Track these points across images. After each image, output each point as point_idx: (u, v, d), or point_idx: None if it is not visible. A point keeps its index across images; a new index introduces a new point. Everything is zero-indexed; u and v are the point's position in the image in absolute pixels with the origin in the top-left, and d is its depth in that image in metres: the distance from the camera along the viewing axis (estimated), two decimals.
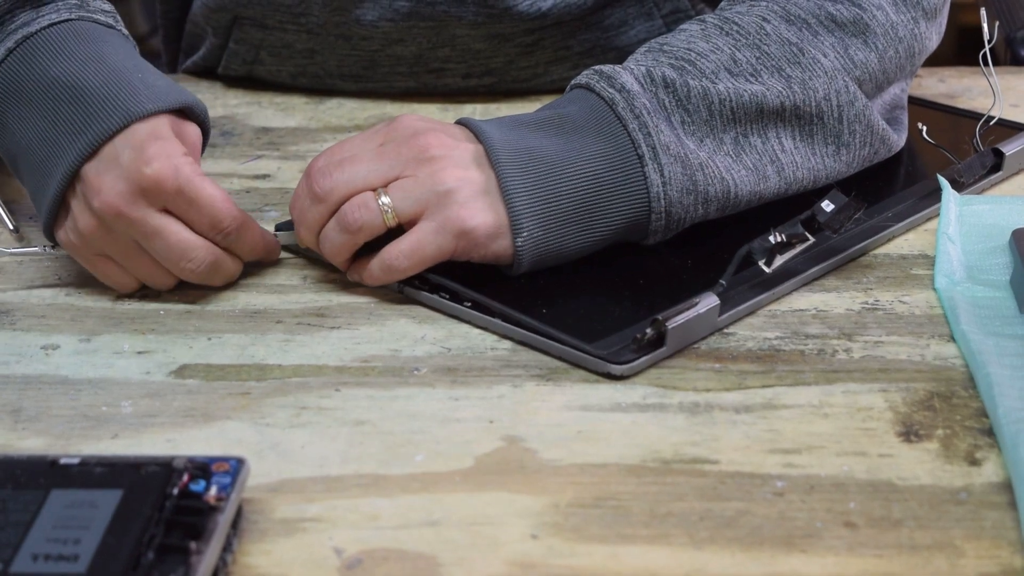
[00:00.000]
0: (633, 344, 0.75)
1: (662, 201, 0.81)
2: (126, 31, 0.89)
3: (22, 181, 0.86)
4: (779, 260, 0.79)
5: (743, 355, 0.77)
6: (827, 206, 0.79)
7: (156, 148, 0.80)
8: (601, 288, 0.82)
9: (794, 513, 0.65)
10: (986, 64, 0.97)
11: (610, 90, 0.82)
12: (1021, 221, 0.87)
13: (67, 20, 0.85)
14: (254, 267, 0.87)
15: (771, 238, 0.79)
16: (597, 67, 0.85)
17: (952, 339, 0.78)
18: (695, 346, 0.78)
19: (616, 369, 0.75)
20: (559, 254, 0.81)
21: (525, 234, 0.79)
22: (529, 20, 1.06)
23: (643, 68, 0.84)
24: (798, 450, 0.70)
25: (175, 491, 0.63)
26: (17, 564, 0.59)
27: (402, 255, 0.80)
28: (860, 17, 0.89)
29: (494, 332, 0.79)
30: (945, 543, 0.63)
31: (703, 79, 0.84)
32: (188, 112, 0.85)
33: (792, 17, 0.88)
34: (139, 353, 0.78)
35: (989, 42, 0.97)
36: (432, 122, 0.83)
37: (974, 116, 1.01)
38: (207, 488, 0.63)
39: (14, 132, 0.83)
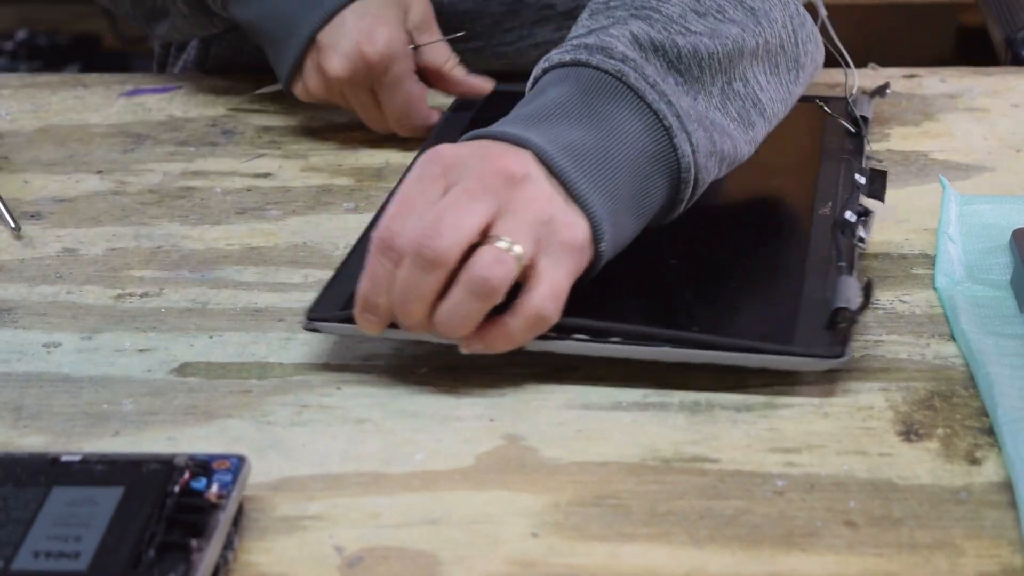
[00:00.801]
0: (837, 336, 0.73)
1: (692, 170, 0.78)
2: None
3: (258, 44, 1.05)
4: (866, 232, 0.82)
5: None
6: (861, 179, 0.86)
7: (379, 32, 0.98)
8: (686, 283, 0.80)
9: (794, 512, 0.65)
10: (827, 36, 0.97)
11: (612, 61, 0.78)
12: (1021, 221, 0.87)
13: None
14: (255, 266, 0.87)
15: (848, 215, 0.81)
16: (574, 43, 0.80)
17: (952, 338, 0.78)
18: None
19: (838, 362, 0.73)
20: (617, 248, 0.77)
21: (607, 238, 0.75)
22: None
23: (627, 33, 0.79)
24: (798, 449, 0.70)
25: (176, 489, 0.63)
26: (18, 561, 0.59)
27: (547, 299, 0.72)
28: None
29: (656, 360, 0.74)
30: (945, 542, 0.63)
31: (679, 31, 0.80)
32: None
33: None
34: (140, 351, 0.78)
35: (822, 16, 0.97)
36: (471, 144, 0.75)
37: (839, 98, 1.01)
38: (208, 486, 0.63)
39: (253, 7, 1.02)
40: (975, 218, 0.88)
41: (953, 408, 0.73)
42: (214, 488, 0.63)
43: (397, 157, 1.01)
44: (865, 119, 0.97)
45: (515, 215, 0.72)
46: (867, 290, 0.75)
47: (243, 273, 0.87)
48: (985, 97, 1.07)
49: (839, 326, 0.74)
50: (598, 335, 0.74)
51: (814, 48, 0.89)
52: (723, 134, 0.81)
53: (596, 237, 0.74)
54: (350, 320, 0.74)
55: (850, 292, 0.75)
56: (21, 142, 1.02)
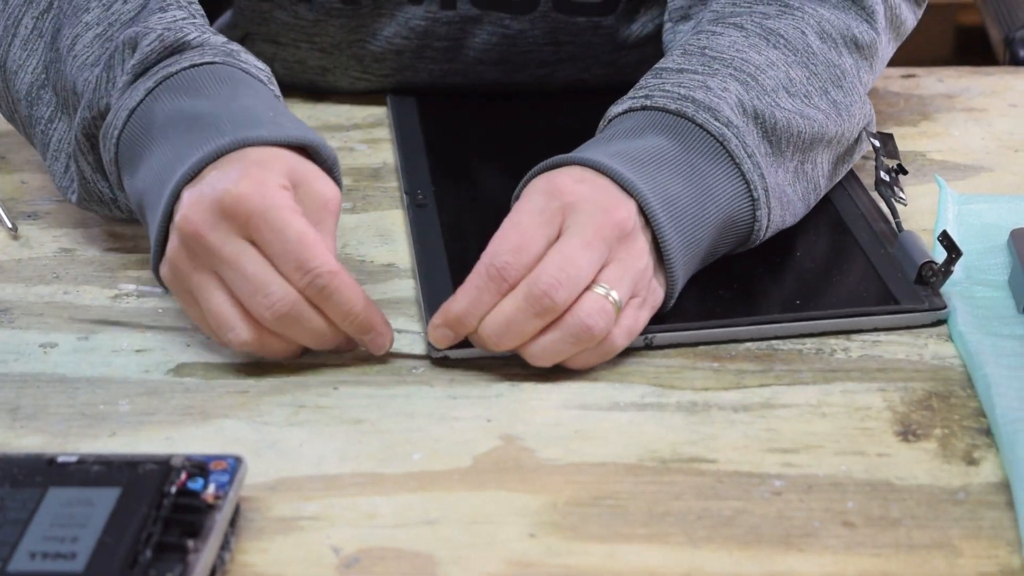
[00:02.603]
0: (928, 291, 0.79)
1: (759, 236, 0.81)
2: (279, 92, 0.84)
3: (146, 224, 0.79)
4: (902, 191, 0.86)
5: (741, 354, 0.77)
6: (876, 142, 0.87)
7: (253, 171, 0.73)
8: (755, 265, 0.83)
9: (792, 512, 0.65)
10: None
11: (716, 123, 0.79)
12: (1019, 221, 0.87)
13: (210, 63, 0.81)
14: None
15: (883, 176, 0.86)
16: (682, 92, 0.80)
17: (950, 339, 0.78)
18: (693, 346, 0.77)
19: (943, 313, 0.79)
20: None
21: (675, 296, 0.77)
22: (543, 48, 1.04)
23: (733, 97, 0.80)
24: (796, 449, 0.70)
25: (173, 489, 0.63)
26: (15, 562, 0.59)
27: (623, 337, 0.74)
28: (875, 42, 0.88)
29: (785, 336, 0.78)
30: (943, 543, 0.63)
31: (772, 104, 0.82)
32: (314, 155, 0.78)
33: (824, 35, 0.86)
34: (137, 351, 0.78)
35: None
36: (588, 183, 0.75)
37: None
38: (205, 486, 0.63)
39: (140, 172, 0.79)
40: (973, 218, 0.88)
41: (951, 408, 0.72)
42: (211, 489, 0.63)
43: (394, 158, 1.00)
44: None
45: (620, 264, 0.74)
46: (949, 242, 0.79)
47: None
48: (983, 97, 1.06)
49: (930, 280, 0.79)
50: (724, 314, 0.79)
51: (863, 149, 0.90)
52: (787, 210, 0.83)
53: (669, 294, 0.77)
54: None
55: (920, 245, 0.81)
56: (18, 142, 1.01)
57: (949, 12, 2.30)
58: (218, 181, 0.73)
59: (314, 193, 0.76)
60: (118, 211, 0.86)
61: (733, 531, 0.64)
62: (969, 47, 2.17)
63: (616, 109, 0.83)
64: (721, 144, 0.79)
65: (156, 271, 0.77)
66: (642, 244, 0.75)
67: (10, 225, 0.91)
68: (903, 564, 0.62)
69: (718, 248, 0.80)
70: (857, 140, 0.88)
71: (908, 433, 0.71)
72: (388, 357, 0.77)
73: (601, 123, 0.84)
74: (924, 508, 0.66)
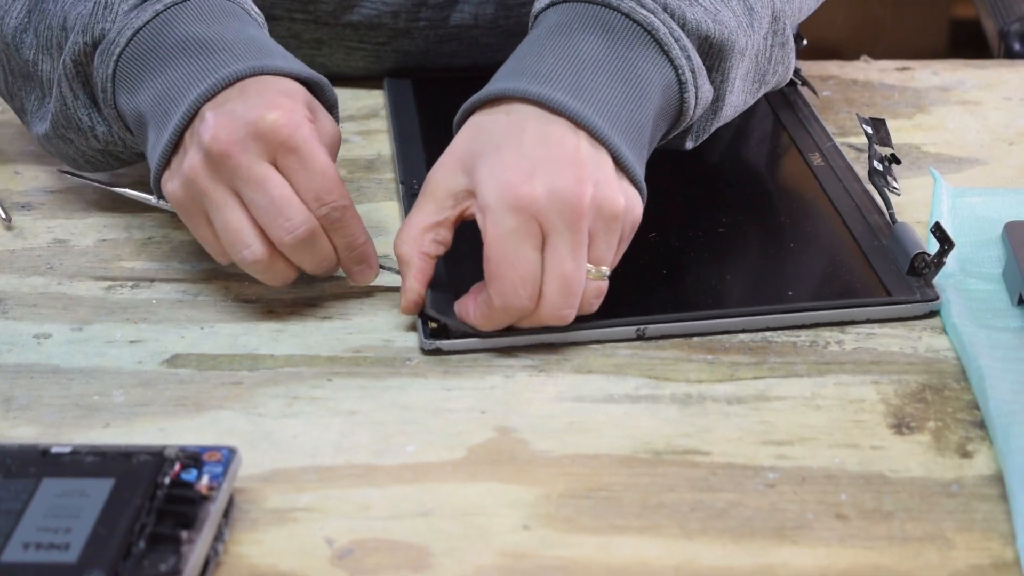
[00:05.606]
0: (921, 281, 0.79)
1: (688, 120, 0.80)
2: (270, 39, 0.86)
3: (143, 141, 0.81)
4: (895, 180, 0.87)
5: (735, 347, 0.77)
6: (869, 128, 0.89)
7: (283, 100, 0.76)
8: (745, 257, 0.84)
9: (786, 505, 0.66)
10: None
11: (643, 12, 0.78)
12: (1013, 213, 0.87)
13: None
14: None
15: (876, 166, 0.86)
16: None
17: (944, 331, 0.78)
18: (687, 337, 0.78)
19: (936, 304, 0.79)
20: None
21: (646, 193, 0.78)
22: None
23: None
24: (790, 442, 0.70)
25: (167, 480, 0.63)
26: (8, 553, 0.59)
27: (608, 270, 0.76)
28: None
29: (777, 328, 0.78)
30: (936, 535, 0.64)
31: (691, 4, 0.81)
32: (319, 93, 0.81)
33: None
34: (131, 342, 0.78)
35: None
36: (539, 171, 0.74)
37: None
38: (199, 478, 0.63)
39: (145, 89, 0.80)
40: (967, 211, 0.88)
41: (944, 401, 0.73)
42: (205, 480, 0.63)
43: (389, 149, 1.00)
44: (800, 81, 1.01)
45: (600, 235, 0.74)
46: (942, 233, 0.79)
47: (234, 264, 0.86)
48: (978, 90, 1.07)
49: (923, 271, 0.79)
50: (715, 315, 0.78)
51: (783, 72, 0.89)
52: (712, 98, 0.82)
53: (640, 203, 0.77)
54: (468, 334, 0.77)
55: (913, 236, 0.81)
56: (12, 133, 1.01)
57: (944, 5, 2.30)
58: (248, 107, 0.76)
59: (324, 129, 0.79)
60: (94, 140, 0.86)
61: (727, 523, 0.65)
62: (964, 40, 2.18)
63: (540, 4, 0.82)
64: (650, 34, 0.79)
65: (156, 182, 0.79)
66: (616, 198, 0.74)
67: (4, 216, 0.91)
68: (896, 556, 0.62)
69: (655, 137, 0.80)
70: (770, 60, 0.87)
71: (902, 426, 0.71)
72: (382, 349, 0.77)
73: (531, 21, 0.83)
74: (917, 500, 0.66)
